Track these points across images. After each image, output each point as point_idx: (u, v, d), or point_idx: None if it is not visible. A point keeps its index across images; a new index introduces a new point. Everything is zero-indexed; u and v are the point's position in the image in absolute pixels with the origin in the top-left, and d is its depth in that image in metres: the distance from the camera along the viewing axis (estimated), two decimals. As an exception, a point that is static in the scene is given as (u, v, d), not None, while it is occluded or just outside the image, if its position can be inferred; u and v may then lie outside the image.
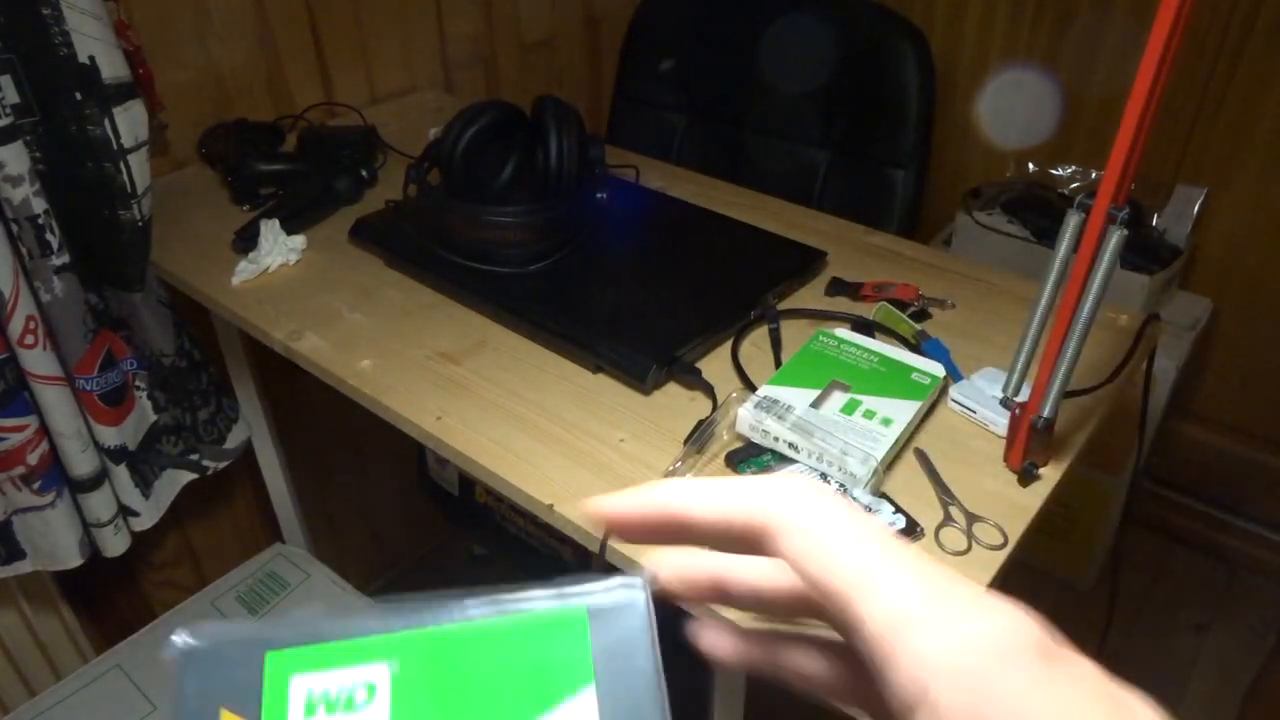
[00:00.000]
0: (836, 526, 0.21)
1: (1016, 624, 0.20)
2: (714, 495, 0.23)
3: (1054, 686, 0.19)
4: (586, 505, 0.25)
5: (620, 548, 0.65)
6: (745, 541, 0.23)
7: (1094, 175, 1.55)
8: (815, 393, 0.76)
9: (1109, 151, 0.58)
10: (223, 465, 1.26)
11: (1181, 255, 1.44)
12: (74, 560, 1.11)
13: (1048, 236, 1.47)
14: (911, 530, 0.66)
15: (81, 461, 1.05)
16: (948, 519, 0.67)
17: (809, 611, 0.25)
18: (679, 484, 0.24)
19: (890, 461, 0.72)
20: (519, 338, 0.89)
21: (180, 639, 0.20)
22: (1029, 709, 0.18)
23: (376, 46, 1.39)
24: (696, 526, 0.24)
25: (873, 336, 0.86)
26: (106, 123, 0.92)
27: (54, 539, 1.08)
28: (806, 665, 0.26)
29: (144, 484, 1.15)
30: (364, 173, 1.15)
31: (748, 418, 0.73)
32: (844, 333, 0.84)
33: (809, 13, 1.39)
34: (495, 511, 1.33)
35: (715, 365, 0.84)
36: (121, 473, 1.11)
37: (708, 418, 0.76)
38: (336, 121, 1.33)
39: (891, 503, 0.68)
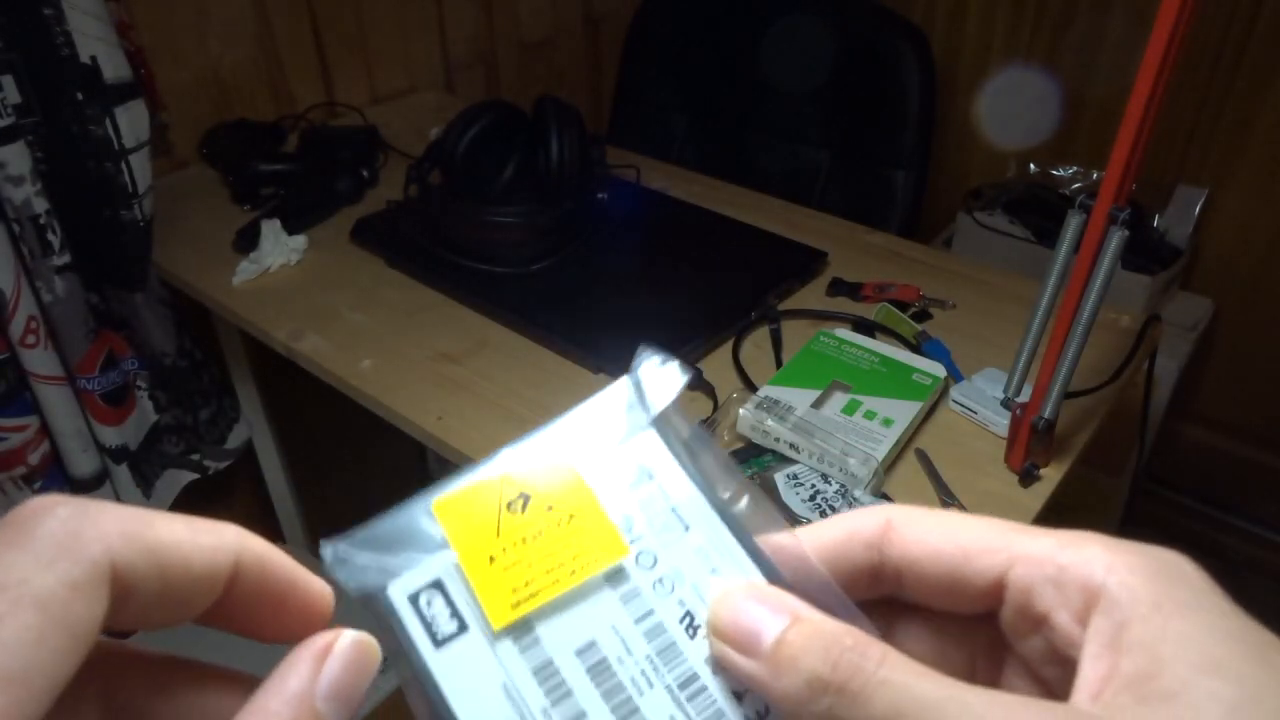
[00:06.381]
0: None
1: None
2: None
3: None
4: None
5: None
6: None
7: (1095, 176, 1.55)
8: (816, 393, 0.76)
9: (1110, 152, 0.58)
10: (223, 465, 1.26)
11: (1182, 256, 1.44)
12: (75, 560, 1.11)
13: (1048, 237, 1.47)
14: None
15: (82, 461, 1.05)
16: (948, 519, 0.67)
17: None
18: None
19: (891, 462, 0.72)
20: (520, 338, 0.89)
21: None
22: None
23: (377, 47, 1.39)
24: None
25: (874, 337, 0.86)
26: (108, 123, 0.92)
27: (55, 539, 1.08)
28: None
29: (145, 484, 1.15)
30: (365, 173, 1.15)
31: (749, 418, 0.73)
32: (845, 333, 0.84)
33: (809, 13, 1.39)
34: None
35: (716, 366, 0.84)
36: (122, 473, 1.11)
37: (708, 418, 0.76)
38: (337, 121, 1.33)
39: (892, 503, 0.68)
